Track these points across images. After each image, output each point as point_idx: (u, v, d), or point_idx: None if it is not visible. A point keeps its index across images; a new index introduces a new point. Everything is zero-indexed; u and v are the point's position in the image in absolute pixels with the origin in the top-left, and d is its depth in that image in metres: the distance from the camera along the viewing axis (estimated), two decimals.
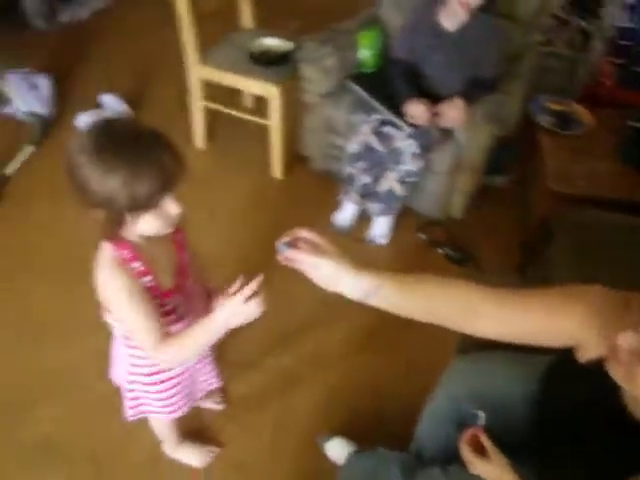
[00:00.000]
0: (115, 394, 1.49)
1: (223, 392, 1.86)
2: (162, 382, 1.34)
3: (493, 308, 0.98)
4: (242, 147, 2.81)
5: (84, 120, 2.88)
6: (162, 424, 1.59)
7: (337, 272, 0.95)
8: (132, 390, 1.38)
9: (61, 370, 1.93)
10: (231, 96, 2.77)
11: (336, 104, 2.39)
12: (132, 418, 1.47)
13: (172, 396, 1.38)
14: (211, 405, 1.83)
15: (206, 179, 2.63)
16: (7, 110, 2.91)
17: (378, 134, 2.24)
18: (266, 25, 2.78)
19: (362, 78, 2.43)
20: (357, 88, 2.37)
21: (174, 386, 1.37)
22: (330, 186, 2.54)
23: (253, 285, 1.02)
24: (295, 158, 2.69)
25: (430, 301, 1.00)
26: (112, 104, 2.92)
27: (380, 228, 2.39)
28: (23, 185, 2.61)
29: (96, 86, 3.13)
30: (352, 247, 2.34)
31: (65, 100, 3.07)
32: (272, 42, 2.57)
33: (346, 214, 2.42)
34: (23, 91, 2.83)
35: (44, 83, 2.95)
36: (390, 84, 2.29)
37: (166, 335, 1.13)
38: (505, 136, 2.39)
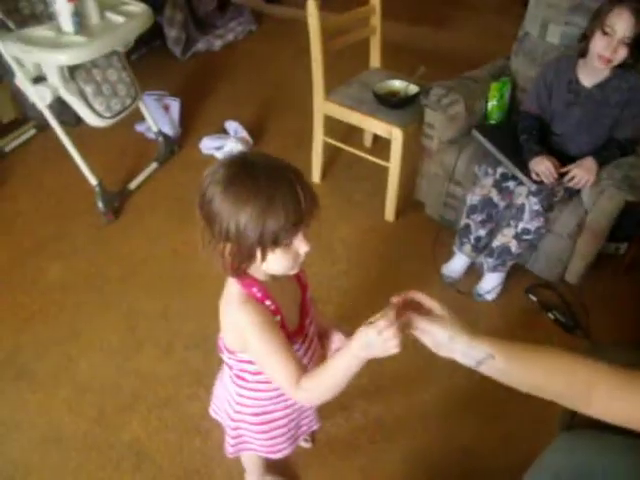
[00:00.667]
0: (203, 417, 1.48)
1: (313, 431, 1.82)
2: (269, 422, 1.31)
3: (617, 390, 0.90)
4: (357, 185, 2.81)
5: (206, 144, 3.00)
6: (254, 457, 1.55)
7: (451, 340, 0.93)
8: (236, 428, 1.35)
9: (157, 380, 1.97)
10: (350, 133, 2.79)
11: (458, 153, 2.34)
12: (232, 455, 1.45)
13: (277, 436, 1.35)
14: (300, 442, 1.78)
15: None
16: (140, 128, 3.08)
17: (500, 188, 2.17)
18: (394, 67, 2.78)
19: (488, 129, 2.38)
20: (482, 139, 2.31)
21: (280, 427, 1.33)
22: (442, 234, 2.49)
23: (392, 318, 0.89)
24: (408, 202, 2.65)
25: (544, 377, 0.94)
26: (235, 131, 3.01)
27: (489, 284, 2.29)
28: (142, 199, 2.73)
29: (221, 112, 3.27)
30: (458, 300, 2.27)
31: (191, 123, 3.22)
32: (399, 84, 2.57)
33: (456, 265, 2.35)
34: (155, 112, 2.98)
35: (175, 105, 3.11)
36: (517, 138, 2.21)
37: (304, 370, 1.05)
38: (634, 202, 2.24)
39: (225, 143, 2.95)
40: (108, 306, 2.24)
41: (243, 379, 1.21)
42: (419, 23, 4.21)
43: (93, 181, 2.55)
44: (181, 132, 3.12)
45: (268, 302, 1.06)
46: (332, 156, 2.84)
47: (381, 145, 2.56)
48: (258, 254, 0.97)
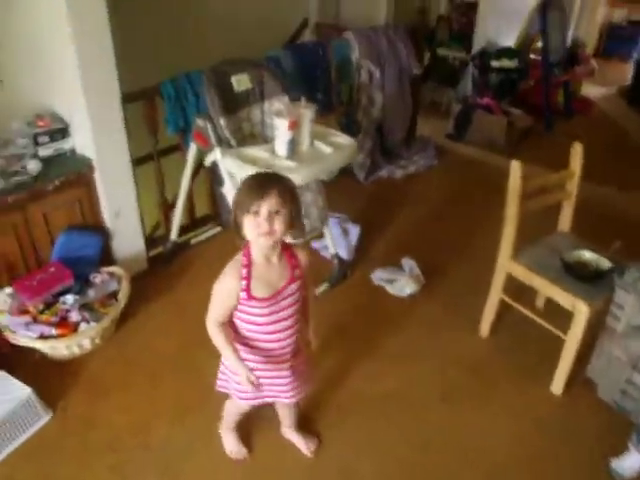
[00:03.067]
0: None
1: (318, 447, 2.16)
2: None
3: None
4: (524, 347, 2.69)
5: (379, 275, 3.04)
6: (231, 406, 2.02)
7: None
8: (223, 366, 1.86)
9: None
10: (522, 289, 2.69)
11: None
12: (219, 389, 1.93)
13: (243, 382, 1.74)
14: (301, 444, 2.16)
15: (480, 370, 2.58)
16: (316, 245, 3.23)
17: None
18: (583, 231, 2.69)
19: None
20: None
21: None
22: (615, 423, 2.29)
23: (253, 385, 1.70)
24: (579, 377, 2.49)
25: None
26: (410, 268, 3.04)
27: None
28: None
29: (397, 246, 3.34)
30: None
31: (367, 250, 3.30)
32: (589, 256, 2.47)
33: (631, 463, 2.12)
34: (335, 234, 3.08)
35: (354, 231, 3.22)
36: None
37: (222, 325, 1.65)
38: None
39: (398, 278, 2.98)
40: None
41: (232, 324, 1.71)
42: (606, 183, 4.10)
43: None
44: (356, 258, 3.20)
45: (244, 270, 1.58)
46: (500, 309, 2.74)
47: (554, 309, 2.44)
48: (240, 219, 1.52)
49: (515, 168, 2.36)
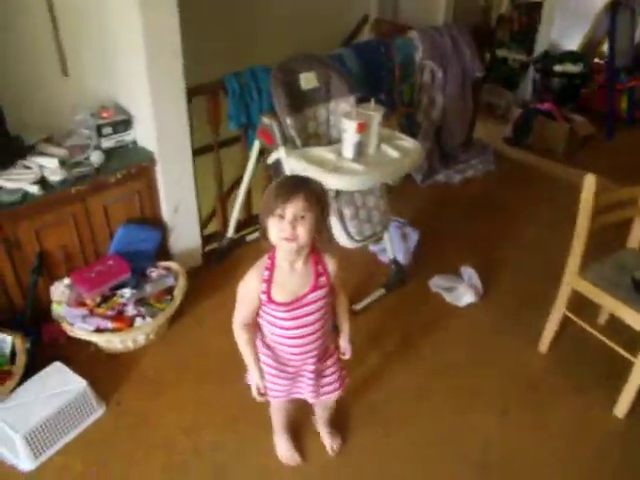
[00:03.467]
0: None
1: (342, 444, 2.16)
2: (268, 366, 1.77)
3: None
4: (585, 367, 2.56)
5: (436, 282, 2.97)
6: (274, 410, 2.03)
7: None
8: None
9: None
10: (582, 302, 2.57)
11: None
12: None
13: (273, 382, 1.79)
14: (325, 440, 2.15)
15: (540, 387, 2.48)
16: (374, 248, 3.16)
17: None
18: None
19: None
20: None
21: (270, 374, 1.78)
22: None
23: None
24: None
25: None
26: (469, 277, 2.96)
27: None
28: (366, 325, 2.72)
29: (455, 253, 3.24)
30: None
31: (425, 256, 3.21)
32: None
33: None
34: (394, 238, 3.01)
35: (414, 237, 3.14)
36: None
37: (247, 326, 1.67)
38: None
39: (456, 287, 2.90)
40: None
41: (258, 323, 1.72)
42: None
43: None
44: (413, 263, 3.12)
45: (266, 272, 1.58)
46: (563, 326, 2.63)
47: (617, 326, 2.32)
48: (266, 222, 1.50)
49: (589, 182, 2.23)
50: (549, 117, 4.64)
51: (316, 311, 1.65)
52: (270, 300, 1.59)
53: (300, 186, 1.48)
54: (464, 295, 2.86)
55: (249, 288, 1.61)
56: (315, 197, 1.48)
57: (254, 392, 1.77)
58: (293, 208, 1.45)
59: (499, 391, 2.44)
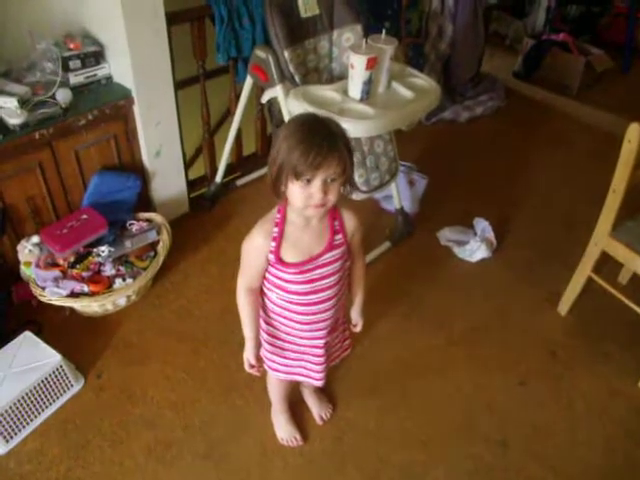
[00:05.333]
0: None
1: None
2: (271, 337, 1.60)
3: None
4: (608, 332, 2.35)
5: (446, 235, 2.73)
6: (272, 384, 1.85)
7: None
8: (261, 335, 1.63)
9: None
10: (603, 260, 2.34)
11: None
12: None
13: (275, 355, 1.63)
14: (314, 408, 1.97)
15: (561, 354, 2.26)
16: (377, 195, 2.83)
17: None
18: None
19: None
20: None
21: (280, 348, 1.62)
22: None
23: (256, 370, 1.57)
24: None
25: None
26: (483, 230, 2.70)
27: None
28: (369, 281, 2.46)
29: (466, 202, 2.98)
30: None
31: (433, 205, 2.95)
32: None
33: None
34: (401, 186, 2.73)
35: (421, 184, 2.85)
36: None
37: (252, 291, 1.47)
38: None
39: (468, 240, 2.65)
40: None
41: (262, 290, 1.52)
42: None
43: None
44: (420, 213, 2.87)
45: (276, 229, 1.36)
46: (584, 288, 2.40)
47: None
48: (284, 179, 1.24)
49: (634, 131, 1.94)
50: (564, 49, 4.26)
51: (332, 274, 1.45)
52: (279, 260, 1.38)
53: (333, 143, 1.21)
54: (477, 250, 2.62)
55: (255, 245, 1.39)
56: (348, 152, 1.25)
57: (246, 365, 1.57)
58: (325, 173, 1.21)
59: (516, 359, 2.23)
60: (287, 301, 1.47)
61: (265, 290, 1.50)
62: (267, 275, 1.45)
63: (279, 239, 1.37)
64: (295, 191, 1.25)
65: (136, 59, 2.22)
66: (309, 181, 1.22)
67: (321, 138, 1.19)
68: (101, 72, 2.31)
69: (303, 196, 1.25)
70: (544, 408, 2.06)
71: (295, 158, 1.19)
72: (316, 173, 1.20)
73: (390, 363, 2.18)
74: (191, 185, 2.87)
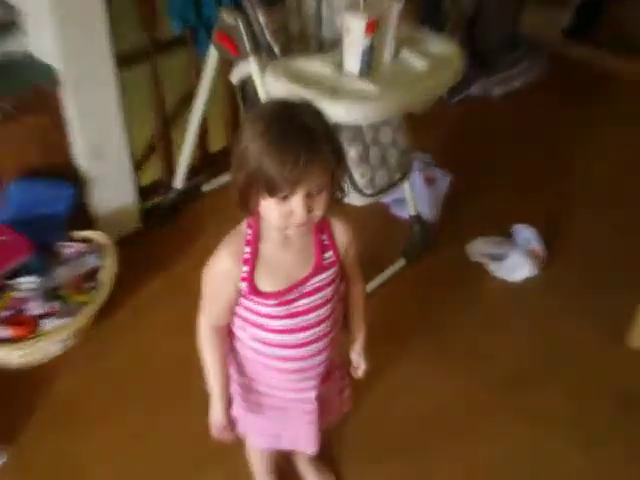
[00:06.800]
0: None
1: None
2: (245, 391, 1.57)
3: None
4: None
5: (478, 247, 2.77)
6: (252, 456, 1.87)
7: None
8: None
9: None
10: None
11: None
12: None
13: (251, 413, 1.60)
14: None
15: (632, 405, 2.26)
16: (387, 198, 2.85)
17: None
18: None
19: None
20: None
21: (256, 404, 1.58)
22: None
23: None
24: None
25: None
26: (527, 240, 2.73)
27: None
28: (377, 306, 2.45)
29: (504, 205, 3.04)
30: None
31: (460, 210, 2.98)
32: None
33: None
34: (416, 185, 2.74)
35: (443, 181, 2.90)
36: None
37: (218, 330, 1.44)
38: None
39: (507, 253, 2.68)
40: None
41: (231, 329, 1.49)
42: None
43: None
44: (442, 220, 2.91)
45: (247, 249, 1.32)
46: None
47: None
48: (253, 192, 1.19)
49: None
50: None
51: (322, 304, 1.41)
52: (253, 289, 1.33)
53: (312, 148, 1.14)
54: (519, 266, 2.65)
55: (220, 271, 1.35)
56: (334, 152, 1.20)
57: (213, 429, 1.54)
58: (307, 186, 1.17)
59: (578, 412, 2.21)
60: (265, 343, 1.43)
61: (235, 329, 1.47)
62: (238, 309, 1.41)
63: (252, 262, 1.33)
64: (270, 208, 1.21)
65: (63, 29, 2.22)
66: (287, 197, 1.18)
67: (296, 141, 1.14)
68: (17, 47, 2.32)
69: (281, 214, 1.21)
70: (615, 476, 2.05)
71: (266, 168, 1.14)
72: (295, 188, 1.16)
73: (409, 419, 2.17)
74: (143, 193, 2.89)
